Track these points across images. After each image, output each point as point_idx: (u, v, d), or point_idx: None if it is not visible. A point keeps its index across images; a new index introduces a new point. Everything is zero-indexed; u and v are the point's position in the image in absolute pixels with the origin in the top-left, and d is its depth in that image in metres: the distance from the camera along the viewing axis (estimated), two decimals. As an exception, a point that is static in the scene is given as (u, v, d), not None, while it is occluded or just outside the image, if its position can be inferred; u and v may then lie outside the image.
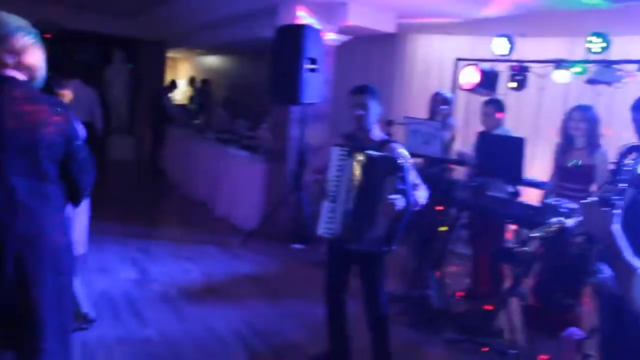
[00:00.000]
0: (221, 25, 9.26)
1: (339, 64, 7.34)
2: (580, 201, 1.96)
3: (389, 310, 3.50)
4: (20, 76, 2.24)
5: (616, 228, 1.87)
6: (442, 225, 4.90)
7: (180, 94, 11.79)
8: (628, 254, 1.86)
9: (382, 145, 3.38)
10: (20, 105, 2.16)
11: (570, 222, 2.04)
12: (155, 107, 10.28)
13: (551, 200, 3.94)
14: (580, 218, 1.99)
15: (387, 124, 7.79)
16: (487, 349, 4.17)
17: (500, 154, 4.15)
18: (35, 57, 2.29)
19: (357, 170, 3.23)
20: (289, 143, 6.62)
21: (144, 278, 5.11)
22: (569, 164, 4.38)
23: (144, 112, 11.47)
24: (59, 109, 2.26)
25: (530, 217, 3.91)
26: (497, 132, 4.96)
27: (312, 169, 3.77)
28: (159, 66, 12.81)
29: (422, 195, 3.37)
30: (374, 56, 8.56)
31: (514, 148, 4.05)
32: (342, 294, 3.56)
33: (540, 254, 2.00)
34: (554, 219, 2.29)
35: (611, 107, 5.80)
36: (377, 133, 3.48)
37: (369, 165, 3.22)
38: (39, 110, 2.19)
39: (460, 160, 5.06)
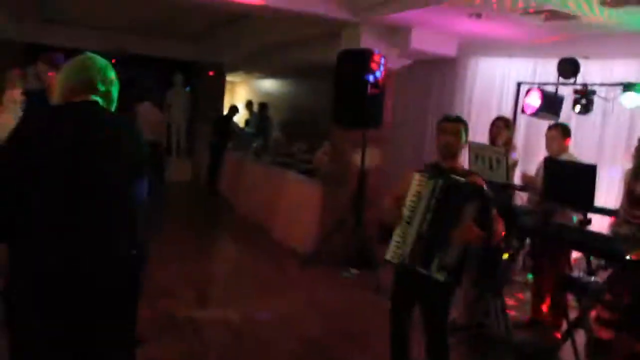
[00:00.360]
0: (282, 48, 9.46)
1: (399, 88, 7.37)
2: None
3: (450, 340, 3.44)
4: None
5: None
6: (505, 252, 4.82)
7: (238, 118, 12.07)
8: None
9: (464, 175, 3.34)
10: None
11: None
12: (217, 130, 10.56)
13: (622, 229, 3.84)
14: None
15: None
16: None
17: (570, 180, 4.07)
18: (116, 88, 2.46)
19: (437, 194, 3.20)
20: (349, 166, 6.64)
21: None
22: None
23: (203, 135, 11.77)
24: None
25: (601, 246, 3.81)
26: (563, 157, 4.87)
27: (385, 194, 3.76)
28: (218, 89, 13.17)
29: (501, 228, 3.29)
30: (433, 80, 8.55)
31: (585, 175, 3.97)
32: (407, 319, 3.51)
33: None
34: None
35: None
36: (460, 164, 3.46)
37: (450, 189, 3.19)
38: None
39: (525, 187, 4.98)
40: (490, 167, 4.87)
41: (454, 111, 8.22)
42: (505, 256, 4.79)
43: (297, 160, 8.59)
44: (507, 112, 6.95)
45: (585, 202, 3.95)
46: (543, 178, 4.35)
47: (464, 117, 8.02)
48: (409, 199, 3.28)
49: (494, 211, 3.23)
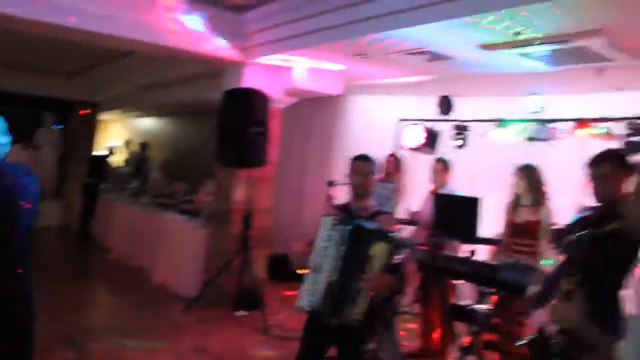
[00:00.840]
0: (162, 87, 9.18)
1: (283, 127, 7.38)
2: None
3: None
4: None
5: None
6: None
7: (115, 158, 11.51)
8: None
9: (375, 215, 3.30)
10: None
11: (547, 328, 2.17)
12: (91, 170, 10.00)
13: (507, 259, 4.00)
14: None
15: (329, 184, 7.87)
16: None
17: (456, 213, 4.20)
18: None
19: (344, 241, 3.09)
20: (234, 206, 6.49)
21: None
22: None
23: (75, 175, 11.08)
24: None
25: (487, 274, 3.94)
26: (445, 190, 5.06)
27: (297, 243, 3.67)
28: (90, 129, 12.48)
29: (411, 273, 3.27)
30: (316, 117, 8.67)
31: (469, 207, 4.12)
32: None
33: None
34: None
35: (546, 164, 6.05)
36: (372, 204, 3.42)
37: (356, 237, 3.09)
38: None
39: (412, 221, 5.09)
40: (381, 203, 4.93)
41: (336, 147, 8.38)
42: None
43: (177, 201, 8.30)
44: (388, 148, 7.17)
45: (470, 233, 4.09)
46: (433, 211, 4.46)
47: (346, 153, 8.24)
48: (320, 245, 3.16)
49: (406, 256, 3.17)
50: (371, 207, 3.36)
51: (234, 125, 5.90)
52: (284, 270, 7.86)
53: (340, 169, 8.32)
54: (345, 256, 3.07)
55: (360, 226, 3.10)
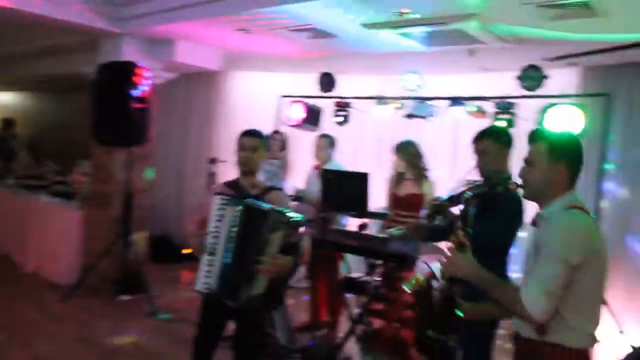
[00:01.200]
0: (29, 58, 8.47)
1: (161, 103, 7.12)
2: (446, 249, 2.24)
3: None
4: None
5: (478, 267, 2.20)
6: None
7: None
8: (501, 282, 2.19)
9: (266, 191, 3.28)
10: None
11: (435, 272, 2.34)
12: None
13: (392, 230, 4.19)
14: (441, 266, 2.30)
15: (211, 162, 7.77)
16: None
17: (345, 188, 4.32)
18: None
19: (237, 222, 3.04)
20: (114, 187, 6.19)
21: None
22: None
23: None
24: None
25: (376, 247, 4.12)
26: (329, 166, 5.18)
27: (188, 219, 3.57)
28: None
29: (306, 246, 3.28)
30: (195, 93, 8.46)
31: (359, 182, 4.25)
32: (211, 352, 3.36)
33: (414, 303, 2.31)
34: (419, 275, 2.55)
35: (424, 140, 6.40)
36: (261, 180, 3.39)
37: (250, 218, 3.04)
38: None
39: (298, 197, 5.16)
40: (269, 179, 4.96)
41: (217, 123, 8.25)
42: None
43: (49, 182, 7.75)
44: (270, 124, 7.18)
45: (361, 207, 4.23)
46: (321, 187, 4.54)
47: (228, 129, 8.16)
48: (212, 225, 3.11)
49: (302, 234, 3.18)
50: (261, 184, 3.38)
51: (112, 101, 5.60)
52: (165, 252, 7.69)
53: (222, 146, 8.24)
54: (237, 237, 3.04)
55: (251, 206, 3.07)
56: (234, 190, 3.27)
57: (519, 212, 3.03)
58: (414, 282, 2.40)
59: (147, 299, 5.71)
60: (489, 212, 2.92)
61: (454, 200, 3.12)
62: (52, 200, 6.94)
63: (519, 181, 2.33)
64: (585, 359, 2.10)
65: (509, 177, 3.07)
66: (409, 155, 4.80)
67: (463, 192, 2.97)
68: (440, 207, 3.18)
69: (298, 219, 3.06)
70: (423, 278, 2.37)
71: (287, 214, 3.02)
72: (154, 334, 5.10)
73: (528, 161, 2.23)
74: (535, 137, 2.24)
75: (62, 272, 6.31)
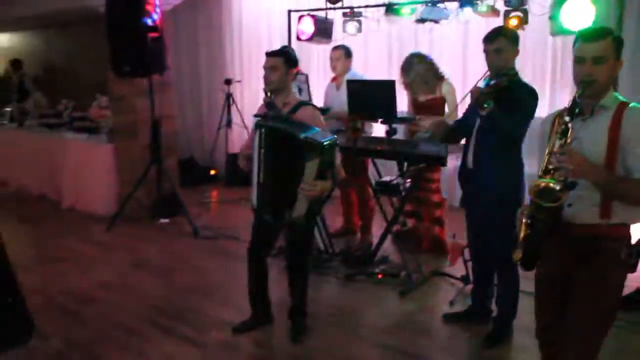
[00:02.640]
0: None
1: (170, 30, 7.14)
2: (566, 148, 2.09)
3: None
4: None
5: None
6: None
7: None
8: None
9: (297, 108, 3.38)
10: None
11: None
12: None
13: (421, 134, 4.37)
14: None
15: (226, 82, 7.85)
16: (381, 275, 4.58)
17: (373, 96, 4.45)
18: None
19: (262, 144, 3.18)
20: (139, 116, 6.32)
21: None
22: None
23: None
24: None
25: (407, 150, 4.32)
26: (349, 76, 5.26)
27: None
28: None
29: (343, 173, 3.37)
30: (202, 16, 8.42)
31: (386, 90, 4.37)
32: (264, 259, 3.66)
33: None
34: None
35: (436, 44, 6.47)
36: (293, 97, 3.50)
37: (273, 140, 3.16)
38: None
39: (324, 109, 5.27)
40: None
41: (226, 44, 8.25)
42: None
43: (68, 120, 7.85)
44: (279, 41, 7.20)
45: (389, 113, 4.39)
46: (347, 97, 4.68)
47: (237, 48, 8.18)
48: (253, 145, 3.29)
49: (337, 159, 3.24)
50: (293, 100, 3.47)
51: (127, 32, 5.60)
52: (192, 174, 7.93)
53: (236, 67, 8.29)
54: (265, 158, 3.18)
55: (272, 128, 3.16)
56: (269, 109, 3.42)
57: (536, 102, 3.23)
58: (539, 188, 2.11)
59: (185, 220, 5.98)
60: (512, 103, 3.13)
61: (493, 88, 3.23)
62: (78, 137, 7.05)
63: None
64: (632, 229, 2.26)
65: (517, 72, 3.30)
66: (416, 74, 4.88)
67: (499, 82, 3.15)
68: (492, 93, 3.17)
69: (331, 141, 3.08)
70: (550, 185, 2.08)
71: (319, 140, 3.02)
72: (200, 251, 5.40)
73: (598, 59, 2.17)
74: (603, 33, 2.19)
75: (101, 204, 6.56)
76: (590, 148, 2.18)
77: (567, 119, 2.13)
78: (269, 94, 3.45)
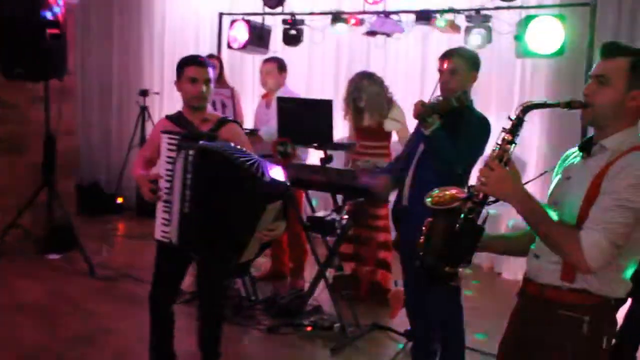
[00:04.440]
0: None
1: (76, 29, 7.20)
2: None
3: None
4: None
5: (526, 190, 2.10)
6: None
7: None
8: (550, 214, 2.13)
9: (220, 126, 3.46)
10: None
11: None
12: None
13: (361, 163, 4.56)
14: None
15: (142, 94, 7.92)
16: (311, 328, 4.66)
17: (306, 118, 4.60)
18: None
19: (191, 168, 3.18)
20: (31, 129, 6.32)
21: None
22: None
23: None
24: None
25: (345, 181, 4.46)
26: (281, 93, 5.41)
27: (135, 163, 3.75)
28: None
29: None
30: (117, 15, 8.49)
31: (322, 111, 4.53)
32: (170, 306, 3.66)
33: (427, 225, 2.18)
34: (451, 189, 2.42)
35: (389, 61, 6.75)
36: (212, 113, 3.60)
37: (206, 163, 3.18)
38: None
39: (253, 131, 5.41)
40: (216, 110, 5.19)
41: (144, 50, 8.33)
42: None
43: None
44: (207, 48, 7.35)
45: (325, 138, 4.55)
46: (277, 118, 4.81)
47: (157, 55, 8.27)
48: (164, 167, 3.28)
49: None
50: (212, 116, 3.55)
51: (22, 27, 5.64)
52: (95, 202, 7.89)
53: (154, 76, 8.36)
54: (195, 185, 3.17)
55: (206, 149, 3.17)
56: (181, 127, 3.43)
57: (487, 135, 3.37)
58: (440, 194, 2.27)
59: (80, 256, 5.93)
60: (459, 128, 3.29)
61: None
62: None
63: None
64: (607, 303, 2.11)
65: (472, 100, 3.45)
66: (368, 99, 5.10)
67: (448, 100, 3.31)
68: (437, 108, 3.33)
69: (286, 183, 3.21)
70: (455, 194, 2.17)
71: (284, 182, 3.16)
72: (96, 294, 5.37)
73: (601, 78, 2.07)
74: (614, 50, 2.09)
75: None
76: (575, 192, 2.12)
77: (503, 133, 2.10)
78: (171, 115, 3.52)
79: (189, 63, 3.46)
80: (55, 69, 5.88)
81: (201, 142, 3.20)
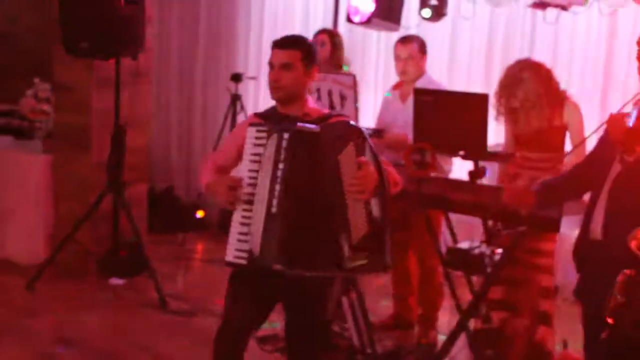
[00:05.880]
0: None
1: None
2: None
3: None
4: None
5: None
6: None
7: None
8: None
9: (325, 119, 3.47)
10: None
11: None
12: None
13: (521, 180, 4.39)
14: None
15: (234, 79, 8.02)
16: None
17: (453, 117, 4.49)
18: None
19: (284, 156, 3.23)
20: (94, 119, 6.49)
21: None
22: None
23: None
24: None
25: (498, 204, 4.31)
26: (421, 83, 5.32)
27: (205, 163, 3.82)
28: None
29: (395, 175, 3.46)
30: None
31: (474, 109, 4.41)
32: (245, 342, 3.62)
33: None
34: None
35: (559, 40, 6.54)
36: (312, 108, 3.61)
37: (302, 148, 3.23)
38: None
39: (378, 131, 5.34)
40: (331, 105, 5.16)
41: (234, 26, 8.45)
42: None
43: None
44: (319, 21, 7.38)
45: (476, 145, 4.41)
46: (414, 116, 4.72)
47: (252, 36, 8.36)
48: (247, 167, 3.33)
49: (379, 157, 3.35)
50: (315, 111, 3.57)
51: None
52: (168, 214, 8.01)
53: (249, 55, 8.44)
54: (287, 176, 3.21)
55: (302, 131, 3.23)
56: (275, 118, 3.50)
57: None
58: None
59: (151, 283, 6.02)
60: None
61: None
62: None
63: None
64: None
65: None
66: (526, 95, 4.92)
67: None
68: None
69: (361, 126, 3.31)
70: None
71: (355, 127, 3.26)
72: (167, 332, 5.45)
73: None
74: None
75: (23, 247, 6.73)
76: None
77: None
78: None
79: (272, 45, 3.54)
80: (129, 44, 6.03)
81: (299, 124, 3.26)
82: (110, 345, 5.19)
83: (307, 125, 3.28)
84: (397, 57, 5.52)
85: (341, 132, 3.28)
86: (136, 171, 6.68)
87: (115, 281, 6.40)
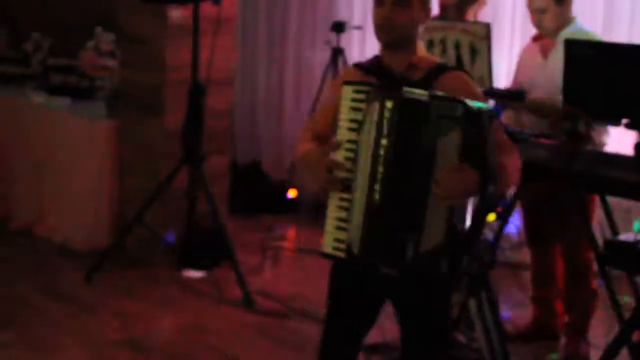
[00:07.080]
0: None
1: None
2: None
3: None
4: None
5: None
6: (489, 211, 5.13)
7: None
8: None
9: (436, 74, 3.43)
10: None
11: None
12: None
13: None
14: None
15: (335, 28, 8.05)
16: None
17: (611, 76, 4.41)
18: None
19: (388, 129, 3.16)
20: (168, 76, 6.59)
21: None
22: None
23: None
24: None
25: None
26: (570, 33, 5.23)
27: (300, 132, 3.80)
28: None
29: (514, 165, 3.38)
30: None
31: (636, 66, 4.34)
32: (354, 353, 3.65)
33: None
34: None
35: None
36: (422, 56, 3.56)
37: (410, 119, 3.16)
38: None
39: (518, 93, 5.28)
40: (459, 60, 5.12)
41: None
42: (491, 218, 5.10)
43: (39, 71, 8.18)
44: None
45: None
46: (565, 74, 4.65)
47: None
48: (345, 137, 3.28)
49: (500, 137, 3.32)
50: (425, 62, 3.51)
51: None
52: (254, 192, 8.08)
53: (354, 2, 8.47)
54: (392, 156, 3.15)
55: (410, 99, 3.16)
56: (377, 77, 3.45)
57: None
58: None
59: (233, 276, 6.09)
60: None
61: None
62: (55, 101, 7.38)
63: None
64: None
65: None
66: None
67: None
68: None
69: (481, 107, 3.14)
70: None
71: (460, 102, 3.09)
72: (252, 335, 5.53)
73: None
74: None
75: (83, 231, 6.85)
76: None
77: None
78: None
79: None
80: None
81: (405, 88, 3.20)
82: (184, 349, 5.29)
83: (415, 91, 3.19)
84: (530, 10, 5.45)
85: (450, 111, 3.07)
86: (216, 141, 6.72)
87: (191, 273, 6.50)
